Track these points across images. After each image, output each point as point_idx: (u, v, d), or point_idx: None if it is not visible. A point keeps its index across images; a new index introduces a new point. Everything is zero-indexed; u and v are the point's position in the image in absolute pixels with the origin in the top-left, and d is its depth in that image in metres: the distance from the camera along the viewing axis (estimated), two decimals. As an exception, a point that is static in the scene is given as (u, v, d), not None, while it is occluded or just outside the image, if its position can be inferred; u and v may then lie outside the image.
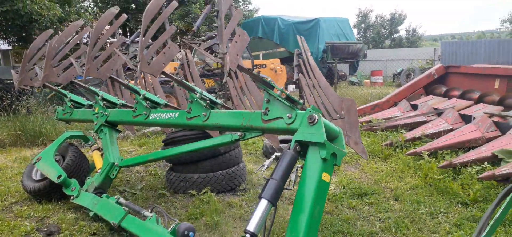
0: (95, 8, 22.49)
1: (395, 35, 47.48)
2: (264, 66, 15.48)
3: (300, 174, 2.67)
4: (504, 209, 2.23)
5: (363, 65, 24.07)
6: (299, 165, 2.72)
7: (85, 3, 23.23)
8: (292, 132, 2.88)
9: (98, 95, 4.89)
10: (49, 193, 4.74)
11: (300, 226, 2.46)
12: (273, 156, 2.90)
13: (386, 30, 47.44)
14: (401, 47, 39.68)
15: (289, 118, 2.93)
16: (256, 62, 15.52)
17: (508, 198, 2.25)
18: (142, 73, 6.47)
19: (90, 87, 5.17)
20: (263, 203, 2.50)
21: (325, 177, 2.60)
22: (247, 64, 13.21)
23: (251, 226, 2.41)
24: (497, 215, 2.21)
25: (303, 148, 2.72)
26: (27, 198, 4.93)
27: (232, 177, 5.05)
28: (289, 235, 2.48)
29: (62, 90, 5.58)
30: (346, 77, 23.64)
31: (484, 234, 2.14)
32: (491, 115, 6.28)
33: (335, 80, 15.30)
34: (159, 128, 8.83)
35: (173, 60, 13.03)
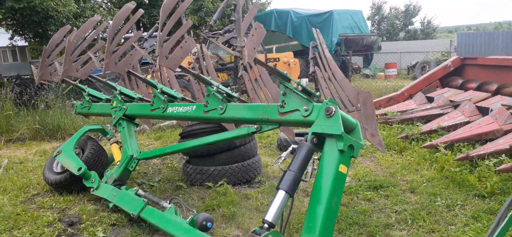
0: (109, 3, 22.72)
1: (409, 27, 46.86)
2: (277, 59, 15.48)
3: (316, 166, 2.70)
4: (523, 200, 2.23)
5: (377, 58, 23.84)
6: (315, 157, 2.75)
7: (99, -1, 23.49)
8: (308, 124, 2.91)
9: (116, 90, 4.98)
10: (70, 185, 4.86)
11: (318, 217, 2.50)
12: (290, 148, 2.94)
13: (401, 22, 46.85)
14: (415, 39, 39.16)
15: (306, 110, 2.96)
16: (269, 56, 15.53)
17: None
18: (158, 68, 6.55)
19: (108, 81, 5.26)
20: (281, 194, 2.55)
21: (342, 168, 2.63)
22: (260, 58, 13.20)
23: (269, 216, 2.46)
24: (516, 206, 2.21)
25: (320, 140, 2.75)
26: (49, 190, 5.07)
27: (247, 169, 5.11)
28: (307, 226, 2.52)
29: (81, 85, 5.69)
30: (360, 70, 23.47)
31: (502, 225, 2.15)
32: (509, 107, 6.19)
33: (350, 73, 15.21)
34: (175, 122, 8.94)
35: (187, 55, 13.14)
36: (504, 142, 5.04)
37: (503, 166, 4.33)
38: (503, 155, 4.85)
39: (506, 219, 2.16)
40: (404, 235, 3.53)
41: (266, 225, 2.45)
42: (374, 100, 8.61)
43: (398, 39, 43.39)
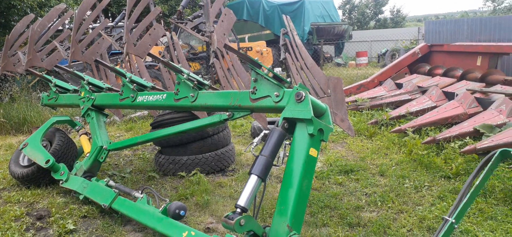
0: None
1: (379, 16, 47.69)
2: (250, 49, 15.42)
3: (288, 152, 2.73)
4: (483, 178, 2.33)
5: (348, 47, 24.16)
6: (287, 142, 2.78)
7: (66, -12, 22.70)
8: (279, 109, 2.93)
9: (84, 80, 4.85)
10: (38, 178, 4.72)
11: (289, 199, 2.54)
12: (262, 134, 2.97)
13: (371, 11, 47.59)
14: (385, 28, 39.90)
15: (277, 96, 2.97)
16: (241, 45, 15.44)
17: (486, 168, 2.35)
18: (128, 57, 6.42)
19: (75, 71, 5.12)
20: (253, 178, 2.57)
21: (313, 152, 2.66)
22: (233, 47, 13.15)
23: (242, 201, 2.48)
24: (476, 183, 2.30)
25: (290, 125, 2.78)
26: (15, 184, 4.91)
27: (221, 158, 5.10)
28: (279, 209, 2.56)
29: (47, 76, 5.51)
30: (331, 59, 23.71)
31: (464, 201, 2.24)
32: (473, 91, 6.43)
33: (321, 62, 15.36)
34: (145, 113, 8.80)
35: (157, 44, 12.92)
36: (468, 125, 5.24)
37: (467, 148, 4.50)
38: (468, 138, 5.04)
39: (468, 195, 2.25)
40: (374, 216, 3.62)
41: (238, 210, 2.46)
42: (345, 88, 8.79)
43: (369, 28, 44.10)
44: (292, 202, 2.53)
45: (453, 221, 2.19)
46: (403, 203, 3.85)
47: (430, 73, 8.55)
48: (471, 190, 2.28)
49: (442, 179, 4.37)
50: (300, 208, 2.57)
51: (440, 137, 5.05)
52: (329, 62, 22.58)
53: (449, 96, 6.71)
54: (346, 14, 47.96)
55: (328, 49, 24.45)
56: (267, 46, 16.87)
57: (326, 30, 21.43)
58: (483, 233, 3.18)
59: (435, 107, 6.39)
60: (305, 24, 20.90)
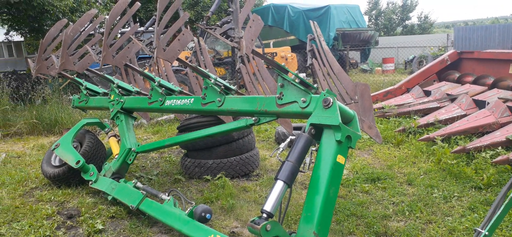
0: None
1: (406, 22, 46.90)
2: (275, 54, 15.47)
3: (314, 158, 2.72)
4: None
5: (374, 53, 23.83)
6: (313, 148, 2.76)
7: (96, -7, 23.35)
8: (306, 115, 2.93)
9: (113, 83, 4.98)
10: (68, 178, 4.86)
11: (316, 206, 2.52)
12: (288, 139, 2.96)
13: (398, 17, 46.86)
14: (413, 34, 39.19)
15: (304, 102, 2.98)
16: (266, 50, 15.49)
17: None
18: (156, 61, 6.55)
19: (105, 75, 5.26)
20: (279, 184, 2.57)
21: (340, 159, 2.65)
22: (259, 52, 13.22)
23: (268, 206, 2.48)
24: (511, 195, 2.23)
25: (317, 131, 2.77)
26: (47, 183, 5.07)
27: (245, 162, 5.12)
28: (305, 216, 2.55)
29: (78, 79, 5.69)
30: (357, 64, 23.46)
31: (498, 213, 2.18)
32: (505, 100, 6.22)
33: (347, 68, 15.23)
34: (172, 116, 8.93)
35: (184, 50, 13.12)
36: (500, 135, 5.08)
37: (499, 158, 4.36)
38: (500, 147, 4.88)
39: (502, 207, 2.18)
40: (402, 226, 3.55)
41: (264, 215, 2.47)
42: (372, 94, 8.66)
43: (396, 34, 43.41)
44: (319, 209, 2.51)
45: (487, 233, 2.13)
46: (431, 213, 3.77)
47: (460, 81, 8.34)
48: (506, 202, 2.21)
49: (473, 190, 4.24)
50: (327, 215, 2.55)
51: (471, 146, 4.92)
52: (354, 68, 22.35)
53: (480, 104, 6.53)
54: (373, 20, 47.37)
55: (354, 55, 24.20)
56: (292, 51, 16.87)
57: (352, 36, 21.24)
58: (517, 247, 3.07)
59: (465, 115, 6.23)
60: (330, 30, 20.78)
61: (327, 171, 2.59)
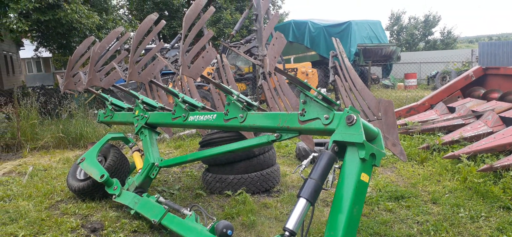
0: (130, 15, 23.23)
1: (429, 37, 46.31)
2: (295, 70, 15.50)
3: (337, 176, 2.70)
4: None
5: (396, 68, 23.58)
6: (336, 166, 2.75)
7: (121, 11, 24.02)
8: (329, 132, 2.92)
9: (138, 99, 5.09)
10: (92, 191, 4.96)
11: (339, 226, 2.49)
12: (311, 156, 2.95)
13: (420, 32, 46.35)
14: (435, 50, 38.63)
15: (327, 119, 2.97)
16: (287, 66, 15.55)
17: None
18: (179, 77, 6.66)
19: (131, 91, 5.38)
20: (302, 202, 2.56)
21: (364, 177, 2.62)
22: (281, 69, 13.29)
23: (290, 224, 2.47)
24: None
25: (341, 149, 2.75)
26: (72, 197, 5.18)
27: (266, 178, 5.12)
28: (328, 234, 2.52)
29: (103, 94, 5.83)
30: (379, 80, 23.26)
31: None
32: (534, 117, 6.06)
33: (369, 83, 15.11)
34: (194, 131, 9.03)
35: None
36: (529, 153, 4.93)
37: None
38: (529, 166, 4.73)
39: (534, 229, 2.11)
40: (427, 246, 3.48)
41: (287, 233, 2.46)
42: (394, 111, 8.57)
43: (418, 50, 42.88)
44: (342, 228, 2.48)
45: (517, 256, 2.06)
46: (458, 233, 3.67)
47: (485, 97, 8.15)
48: (537, 224, 2.14)
49: (501, 210, 4.12)
50: (350, 235, 2.52)
51: (498, 165, 4.78)
52: (376, 83, 22.15)
53: (507, 122, 6.35)
54: (394, 36, 46.98)
55: (375, 71, 24.02)
56: (312, 67, 16.87)
57: (374, 51, 21.12)
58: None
59: (491, 133, 6.07)
60: (351, 45, 20.73)
61: (351, 189, 2.56)
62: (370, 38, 21.95)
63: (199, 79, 11.09)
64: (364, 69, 19.83)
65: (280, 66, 13.99)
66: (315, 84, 15.87)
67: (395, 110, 8.48)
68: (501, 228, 3.70)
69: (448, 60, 22.42)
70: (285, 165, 6.46)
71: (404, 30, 46.78)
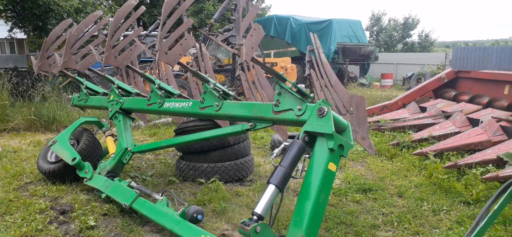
0: (110, 0, 22.78)
1: (407, 40, 47.19)
2: (275, 64, 15.59)
3: (307, 165, 2.79)
4: (501, 204, 2.33)
5: (374, 68, 24.02)
6: (306, 156, 2.83)
7: (101, -5, 23.52)
8: (301, 123, 3.00)
9: (114, 84, 5.06)
10: (63, 174, 4.91)
11: (306, 211, 2.59)
12: (282, 145, 3.04)
13: (399, 34, 47.18)
14: (413, 52, 39.45)
15: (299, 110, 3.05)
16: (267, 60, 15.62)
17: (504, 195, 2.35)
18: (157, 65, 6.63)
19: (106, 75, 5.33)
20: (271, 188, 2.64)
21: (332, 166, 2.72)
22: (259, 60, 13.33)
23: (259, 209, 2.55)
24: (495, 208, 2.31)
25: (311, 139, 2.84)
26: (42, 179, 5.12)
27: (240, 167, 5.18)
28: (295, 220, 2.61)
29: (79, 78, 5.76)
30: (356, 79, 23.63)
31: (481, 225, 2.24)
32: (499, 120, 6.32)
33: (345, 81, 15.36)
34: (169, 119, 9.00)
35: (185, 55, 13.23)
36: (491, 152, 5.16)
37: (489, 175, 4.44)
38: (490, 165, 4.96)
39: (485, 219, 2.25)
40: (390, 236, 3.62)
41: (255, 217, 2.53)
42: (368, 108, 8.77)
43: (396, 51, 43.68)
44: (308, 214, 2.57)
45: (469, 244, 2.20)
46: (420, 225, 3.83)
47: (456, 99, 8.44)
48: (489, 215, 2.29)
49: (462, 204, 4.31)
50: (316, 221, 2.61)
51: (462, 163, 4.99)
52: (353, 82, 22.50)
53: (474, 123, 6.62)
54: (374, 36, 47.68)
55: (353, 69, 24.39)
56: (292, 62, 17.00)
57: (352, 50, 21.43)
58: (501, 261, 3.14)
59: (458, 132, 6.31)
60: (331, 43, 20.97)
61: (319, 178, 2.66)
62: (350, 37, 22.26)
63: (177, 68, 10.98)
64: (342, 67, 20.12)
65: (260, 60, 14.04)
66: (293, 79, 15.99)
67: (369, 108, 8.70)
68: (460, 221, 3.88)
69: (424, 63, 22.99)
70: (260, 156, 6.53)
71: (383, 31, 47.53)
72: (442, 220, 3.95)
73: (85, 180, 4.55)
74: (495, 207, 2.31)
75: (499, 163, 5.00)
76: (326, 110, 2.80)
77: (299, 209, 2.63)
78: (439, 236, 3.56)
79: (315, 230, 2.61)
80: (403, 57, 27.34)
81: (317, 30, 20.98)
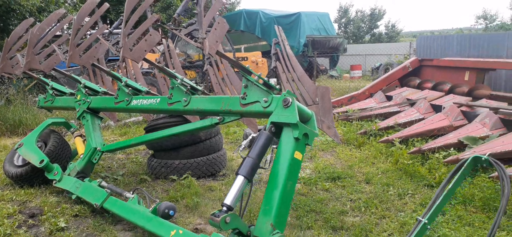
0: (74, -1, 22.18)
1: (374, 30, 48.13)
2: (245, 58, 15.62)
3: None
4: (456, 182, 2.48)
5: (343, 60, 24.41)
6: (275, 146, 2.91)
7: (64, -6, 22.85)
8: (268, 114, 3.07)
9: (80, 83, 4.98)
10: (31, 177, 4.81)
11: (274, 200, 2.67)
12: (250, 137, 3.11)
13: (366, 25, 48.03)
14: (380, 42, 40.30)
15: (266, 102, 3.12)
16: (237, 55, 15.65)
17: (458, 173, 2.50)
18: (124, 64, 6.56)
19: (72, 75, 5.24)
20: (239, 179, 2.71)
21: (298, 155, 2.81)
22: (225, 54, 13.31)
23: (228, 200, 2.61)
24: (449, 186, 2.45)
25: (278, 129, 2.92)
26: (9, 183, 4.99)
27: (212, 163, 5.21)
28: (264, 208, 2.69)
29: (44, 79, 5.63)
30: (326, 71, 23.96)
31: (437, 203, 2.38)
32: (460, 105, 6.61)
33: (315, 73, 15.58)
34: (140, 118, 8.91)
35: (154, 52, 13.07)
36: (453, 137, 5.40)
37: (450, 158, 4.65)
38: (452, 149, 5.20)
39: (441, 198, 2.39)
40: (357, 221, 3.75)
41: (224, 208, 2.59)
42: (336, 99, 8.96)
43: (364, 42, 44.50)
44: (276, 202, 2.65)
45: (426, 221, 2.33)
46: (386, 209, 3.99)
47: (420, 87, 8.74)
48: (444, 194, 2.43)
49: (425, 188, 4.51)
50: (284, 208, 2.70)
51: (426, 148, 5.21)
52: (323, 74, 22.81)
53: (437, 109, 6.89)
54: (342, 28, 48.36)
55: (323, 62, 24.71)
56: (262, 56, 17.07)
57: (321, 43, 21.70)
58: (459, 238, 3.32)
59: (422, 119, 6.56)
60: (300, 36, 21.15)
61: (285, 166, 2.74)
62: (319, 29, 22.51)
63: (146, 66, 10.83)
64: (312, 60, 20.36)
65: (230, 55, 14.06)
66: (265, 73, 16.08)
67: (338, 99, 8.90)
68: (423, 203, 4.07)
69: (391, 53, 23.55)
70: (232, 151, 6.57)
71: (351, 23, 48.28)
72: (407, 203, 4.12)
73: (54, 182, 4.47)
74: (449, 186, 2.46)
75: (460, 146, 5.24)
76: (291, 101, 2.88)
77: (268, 197, 2.71)
78: (404, 219, 3.72)
79: (284, 217, 2.69)
80: (371, 48, 27.95)
81: (286, 24, 21.14)
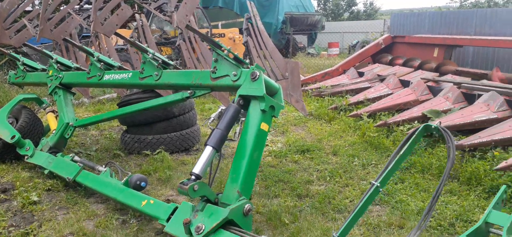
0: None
1: (353, 8, 48.36)
2: (222, 35, 15.56)
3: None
4: (407, 148, 2.67)
5: (321, 37, 24.56)
6: (243, 119, 3.03)
7: (35, -33, 22.03)
8: (237, 88, 3.18)
9: (52, 59, 4.95)
10: (2, 153, 4.79)
11: (241, 168, 2.81)
12: (219, 109, 3.22)
13: (345, 3, 48.18)
14: (359, 20, 40.58)
15: (235, 75, 3.22)
16: (214, 31, 15.55)
17: (410, 140, 2.69)
18: (98, 40, 6.51)
19: (43, 50, 5.20)
20: (208, 149, 2.83)
21: (264, 126, 2.95)
22: (205, 33, 13.23)
23: (196, 169, 2.75)
24: (401, 152, 2.65)
25: (246, 102, 3.04)
26: (-20, 160, 4.96)
27: (186, 138, 5.30)
28: (231, 177, 2.83)
29: (15, 54, 5.56)
30: (305, 48, 24.07)
31: (389, 168, 2.57)
32: (427, 80, 6.86)
33: (290, 50, 15.69)
34: (114, 95, 8.87)
35: (129, 28, 12.88)
36: (417, 110, 5.64)
37: (412, 130, 4.85)
38: (416, 122, 5.43)
39: (393, 163, 2.58)
40: (322, 189, 3.95)
41: (193, 177, 2.72)
42: (310, 75, 9.12)
43: (343, 20, 44.72)
44: (243, 170, 2.80)
45: (378, 184, 2.51)
46: (349, 178, 4.21)
47: (391, 63, 8.98)
48: (396, 159, 2.62)
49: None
50: (250, 176, 2.84)
51: (391, 121, 5.43)
52: (302, 52, 22.93)
53: (405, 84, 7.12)
54: (321, 5, 48.40)
55: (302, 39, 24.79)
56: (240, 33, 17.03)
57: (300, 20, 21.71)
58: (415, 203, 3.56)
59: (391, 94, 6.79)
60: (279, 13, 21.08)
61: (252, 137, 2.88)
62: (297, 7, 22.49)
63: (121, 42, 10.70)
64: (291, 37, 20.42)
65: (206, 31, 14.00)
66: (242, 49, 16.08)
67: (312, 75, 9.06)
68: (385, 172, 4.29)
69: (367, 30, 23.81)
70: (207, 127, 6.67)
71: (330, 0, 48.34)
72: (370, 172, 4.35)
73: (26, 157, 4.48)
74: (402, 152, 2.65)
75: (424, 119, 5.48)
76: (258, 74, 2.99)
77: (235, 166, 2.84)
78: (365, 186, 3.93)
79: (250, 185, 2.84)
80: (349, 26, 28.17)
81: (265, 0, 21.05)
